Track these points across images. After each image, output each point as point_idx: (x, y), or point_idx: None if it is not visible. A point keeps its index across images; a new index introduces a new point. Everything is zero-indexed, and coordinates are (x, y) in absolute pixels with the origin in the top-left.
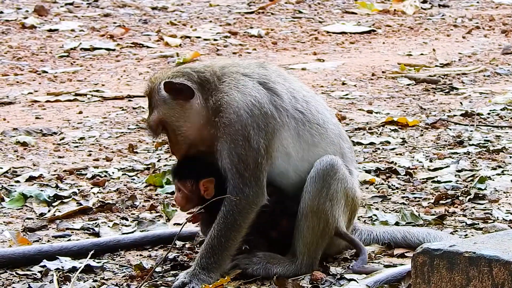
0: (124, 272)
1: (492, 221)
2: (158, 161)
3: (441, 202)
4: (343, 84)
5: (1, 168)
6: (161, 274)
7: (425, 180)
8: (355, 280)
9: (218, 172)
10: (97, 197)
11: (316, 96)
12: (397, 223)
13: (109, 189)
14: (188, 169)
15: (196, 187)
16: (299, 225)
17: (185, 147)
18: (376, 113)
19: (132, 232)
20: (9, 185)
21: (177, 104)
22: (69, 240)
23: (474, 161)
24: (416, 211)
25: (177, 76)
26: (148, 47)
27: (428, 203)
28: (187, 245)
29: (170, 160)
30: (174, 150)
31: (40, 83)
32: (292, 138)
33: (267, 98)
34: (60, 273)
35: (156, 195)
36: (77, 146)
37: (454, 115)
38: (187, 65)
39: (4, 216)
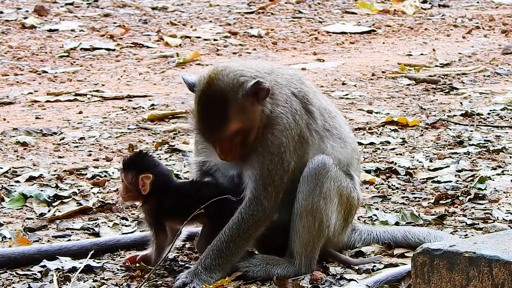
0: (124, 272)
1: (492, 221)
2: None
3: (441, 202)
4: (343, 84)
5: (1, 168)
6: (161, 274)
7: (425, 180)
8: (355, 280)
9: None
10: (97, 197)
11: (337, 110)
12: (397, 223)
13: (109, 189)
14: (132, 162)
15: (136, 180)
16: (294, 226)
17: (242, 153)
18: (376, 113)
19: (132, 232)
20: (9, 185)
21: (255, 110)
22: (69, 240)
23: (474, 161)
24: (416, 211)
25: (250, 78)
26: (148, 47)
27: (428, 203)
28: (187, 245)
29: (170, 160)
30: (230, 156)
31: (40, 83)
32: (314, 155)
33: (306, 122)
34: (60, 273)
35: None
36: (77, 146)
37: (454, 115)
38: (243, 64)
39: (4, 216)
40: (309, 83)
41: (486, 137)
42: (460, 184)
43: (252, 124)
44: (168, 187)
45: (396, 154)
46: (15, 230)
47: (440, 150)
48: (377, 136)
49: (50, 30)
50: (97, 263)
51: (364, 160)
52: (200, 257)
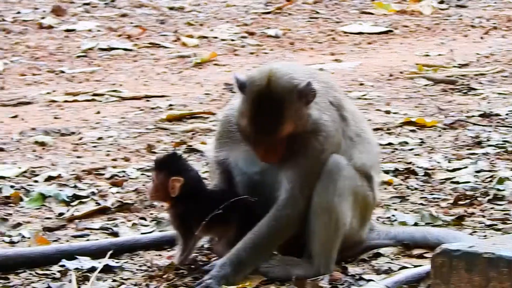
0: (143, 272)
1: (511, 222)
2: None
3: (459, 202)
4: (361, 84)
5: (20, 168)
6: (180, 274)
7: (444, 180)
8: (373, 281)
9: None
10: (116, 197)
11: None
12: (415, 224)
13: (128, 189)
14: (165, 163)
15: (166, 181)
16: (311, 225)
17: (283, 156)
18: (394, 113)
19: (151, 232)
20: (28, 185)
21: (304, 114)
22: (88, 240)
23: (493, 162)
24: (435, 211)
25: (301, 80)
26: (165, 47)
27: (447, 204)
28: (205, 245)
29: (188, 160)
30: (272, 159)
31: (58, 83)
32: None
33: (342, 129)
34: (79, 272)
35: None
36: (95, 146)
37: (472, 116)
38: (288, 67)
39: (23, 215)
40: (339, 88)
41: (505, 138)
42: (479, 184)
43: (301, 128)
44: (198, 193)
45: (415, 155)
46: (34, 230)
47: (458, 150)
48: (395, 137)
49: (67, 30)
50: (116, 263)
51: (383, 160)
52: (235, 247)
